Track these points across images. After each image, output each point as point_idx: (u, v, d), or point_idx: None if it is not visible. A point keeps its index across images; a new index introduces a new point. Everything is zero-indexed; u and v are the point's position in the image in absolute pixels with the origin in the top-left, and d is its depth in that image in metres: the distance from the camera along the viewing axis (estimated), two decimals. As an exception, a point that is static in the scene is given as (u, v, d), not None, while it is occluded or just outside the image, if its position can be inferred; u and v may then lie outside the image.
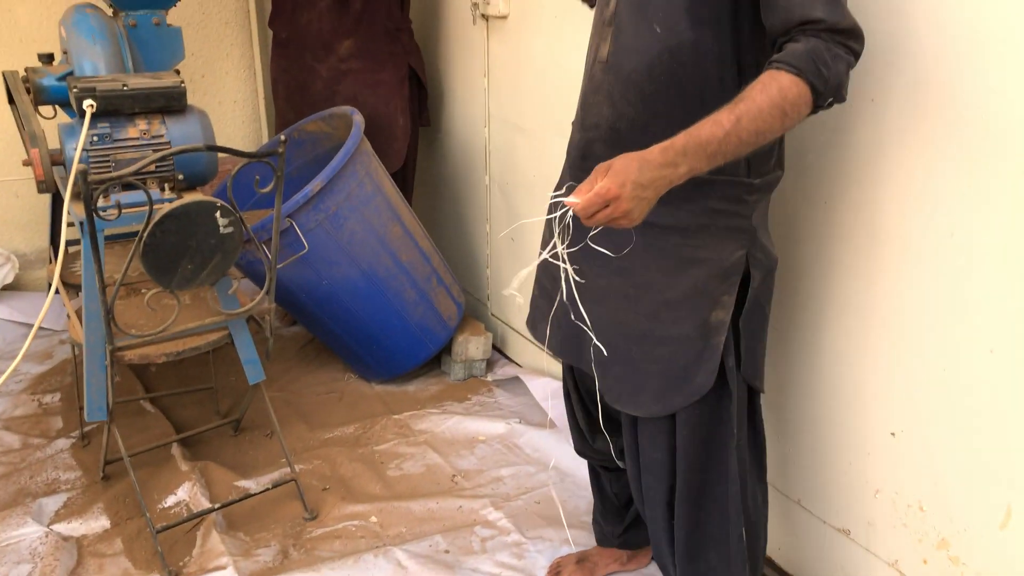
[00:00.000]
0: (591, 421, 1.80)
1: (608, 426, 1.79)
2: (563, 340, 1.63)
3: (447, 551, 2.07)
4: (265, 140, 3.61)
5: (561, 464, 2.41)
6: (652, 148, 1.20)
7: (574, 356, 1.63)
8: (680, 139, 1.20)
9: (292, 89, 2.95)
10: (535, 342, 1.73)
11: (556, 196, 1.28)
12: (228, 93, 3.46)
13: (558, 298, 1.55)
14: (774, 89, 1.20)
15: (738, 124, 1.19)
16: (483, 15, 2.64)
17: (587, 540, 2.10)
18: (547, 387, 2.64)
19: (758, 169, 1.42)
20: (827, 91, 1.21)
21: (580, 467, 2.39)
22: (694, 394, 1.47)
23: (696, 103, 1.30)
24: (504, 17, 2.55)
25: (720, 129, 1.19)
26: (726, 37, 1.32)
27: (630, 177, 1.18)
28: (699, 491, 1.54)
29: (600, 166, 1.22)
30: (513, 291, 1.37)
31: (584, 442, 1.86)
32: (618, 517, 1.94)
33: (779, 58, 1.22)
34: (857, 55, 1.25)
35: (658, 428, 1.53)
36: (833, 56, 1.21)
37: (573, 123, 1.58)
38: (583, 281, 1.48)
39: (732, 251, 1.43)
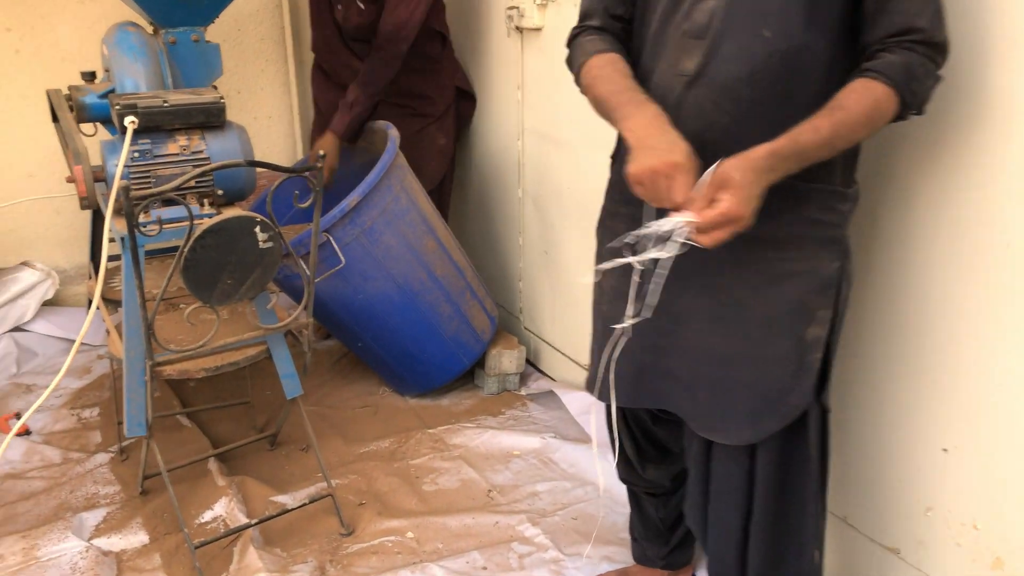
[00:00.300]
0: (641, 451, 1.76)
1: (655, 454, 1.75)
2: (631, 386, 1.56)
3: (484, 567, 2.05)
4: (300, 156, 3.63)
5: (598, 480, 2.38)
6: (758, 154, 1.19)
7: (630, 396, 1.57)
8: (785, 145, 1.20)
9: (332, 109, 2.96)
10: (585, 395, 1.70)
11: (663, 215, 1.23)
12: (263, 109, 3.49)
13: (613, 341, 1.49)
14: (870, 100, 1.20)
15: (835, 133, 1.20)
16: (517, 27, 2.63)
17: (625, 557, 2.07)
18: (582, 401, 2.61)
19: (849, 178, 1.39)
20: (913, 106, 1.23)
21: (617, 482, 2.35)
22: (788, 417, 1.41)
23: (799, 108, 1.25)
24: (539, 29, 2.55)
25: (819, 136, 1.20)
26: (840, 41, 1.29)
27: (752, 191, 1.17)
28: (777, 515, 1.49)
29: (713, 179, 1.18)
30: (590, 280, 1.32)
31: (632, 471, 1.82)
32: (662, 540, 1.91)
33: (874, 67, 1.22)
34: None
35: (737, 453, 1.48)
36: (925, 72, 1.23)
37: (625, 148, 1.49)
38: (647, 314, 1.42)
39: (828, 263, 1.38)
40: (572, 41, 1.53)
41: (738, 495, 1.50)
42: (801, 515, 1.50)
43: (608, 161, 1.63)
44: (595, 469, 2.41)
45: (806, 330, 1.38)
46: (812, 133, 1.19)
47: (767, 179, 1.19)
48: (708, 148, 1.25)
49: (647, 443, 1.75)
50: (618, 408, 1.72)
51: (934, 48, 1.23)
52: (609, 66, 1.40)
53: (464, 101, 3.06)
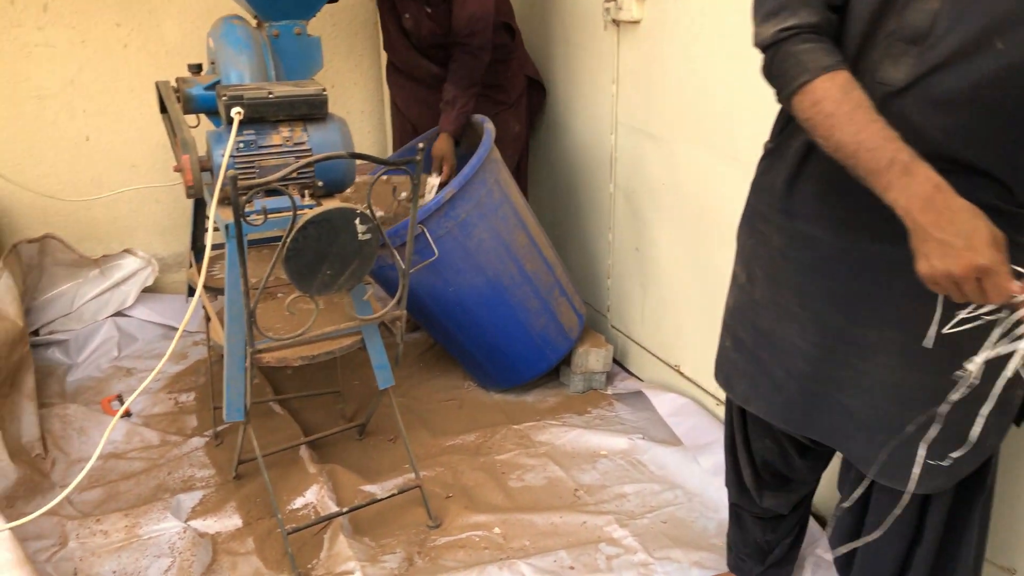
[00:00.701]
0: (760, 480, 1.68)
1: (774, 483, 1.68)
2: (784, 403, 1.45)
3: (572, 567, 2.02)
4: (391, 150, 3.66)
5: (687, 484, 2.33)
6: None
7: (798, 422, 1.46)
8: None
9: (409, 103, 2.98)
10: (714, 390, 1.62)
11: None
12: (355, 103, 3.53)
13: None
14: None
15: None
16: (614, 20, 2.59)
17: (717, 563, 2.01)
18: (673, 403, 2.56)
19: None
20: None
21: (708, 487, 2.30)
22: (980, 459, 1.31)
23: (1019, 130, 1.12)
24: (636, 22, 2.50)
25: None
26: None
27: None
28: (943, 545, 1.40)
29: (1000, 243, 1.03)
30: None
31: (746, 497, 1.74)
32: (760, 557, 1.84)
33: None
34: None
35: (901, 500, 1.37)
36: None
37: (794, 152, 1.30)
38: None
39: None
40: (777, 46, 1.19)
41: (906, 529, 1.40)
42: (963, 544, 1.40)
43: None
44: (685, 472, 2.36)
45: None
46: None
47: None
48: None
49: (767, 473, 1.67)
50: (741, 430, 1.66)
51: None
52: (847, 101, 1.11)
53: (534, 91, 3.08)
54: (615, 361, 2.99)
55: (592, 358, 2.82)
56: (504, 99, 2.93)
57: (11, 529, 1.76)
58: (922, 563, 1.41)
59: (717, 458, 2.33)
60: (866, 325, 1.29)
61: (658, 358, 2.76)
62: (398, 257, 1.97)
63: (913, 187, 1.05)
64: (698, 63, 2.26)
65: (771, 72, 1.21)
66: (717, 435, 2.41)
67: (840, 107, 1.11)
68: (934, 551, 1.40)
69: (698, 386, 2.57)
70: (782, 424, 1.49)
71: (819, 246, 1.30)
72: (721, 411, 2.48)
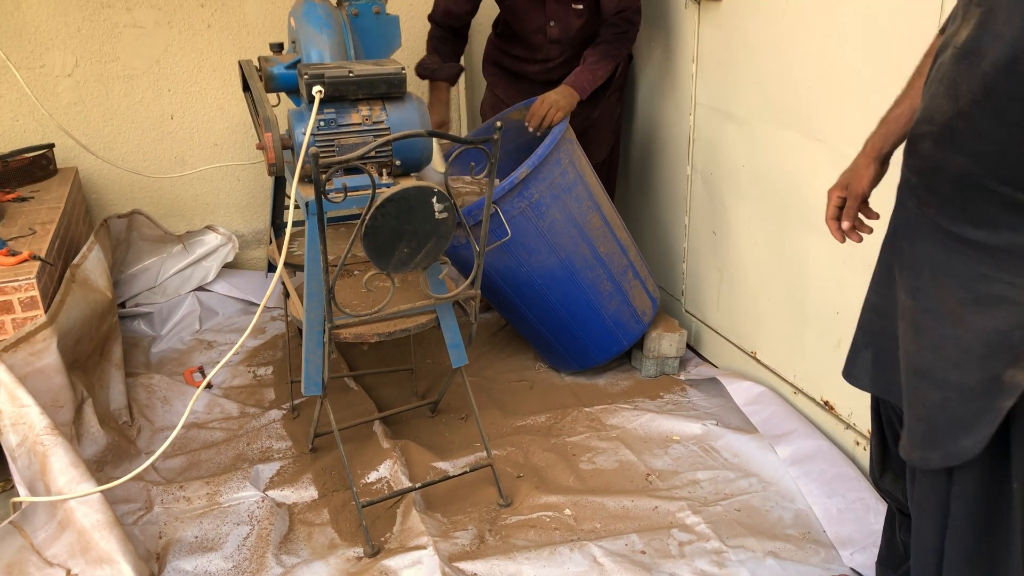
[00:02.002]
0: (886, 455, 1.59)
1: (897, 465, 1.59)
2: (876, 371, 1.45)
3: (643, 552, 2.00)
4: (465, 131, 3.66)
5: (763, 472, 2.28)
6: None
7: (883, 387, 1.45)
8: None
9: (515, 97, 2.94)
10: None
11: None
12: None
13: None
14: None
15: None
16: (696, -2, 2.53)
17: (792, 553, 1.98)
18: (749, 391, 2.51)
19: None
20: None
21: (784, 476, 2.26)
22: (952, 458, 1.23)
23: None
24: (718, 0, 2.43)
25: None
26: None
27: None
28: (974, 551, 1.30)
29: None
30: None
31: (876, 477, 1.66)
32: (893, 569, 1.70)
33: None
34: None
35: (930, 477, 1.31)
36: None
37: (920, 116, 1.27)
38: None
39: None
40: None
41: (931, 526, 1.33)
42: (1004, 558, 1.29)
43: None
44: (760, 461, 2.31)
45: (1005, 370, 1.16)
46: None
47: None
48: (955, 139, 1.10)
49: (895, 447, 1.57)
50: (874, 401, 1.59)
51: None
52: (917, 69, 1.39)
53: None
54: (688, 346, 2.95)
55: (665, 343, 2.78)
56: (618, 82, 2.91)
57: (102, 492, 1.84)
58: (953, 562, 1.31)
59: (794, 447, 2.28)
60: (901, 288, 1.30)
61: (733, 344, 2.71)
62: (472, 237, 1.97)
63: (877, 129, 1.43)
64: (783, 42, 2.19)
65: None
66: (794, 424, 2.35)
67: (924, 60, 1.37)
68: (964, 556, 1.30)
69: (775, 373, 2.51)
70: (876, 391, 1.48)
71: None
72: (798, 400, 2.42)
